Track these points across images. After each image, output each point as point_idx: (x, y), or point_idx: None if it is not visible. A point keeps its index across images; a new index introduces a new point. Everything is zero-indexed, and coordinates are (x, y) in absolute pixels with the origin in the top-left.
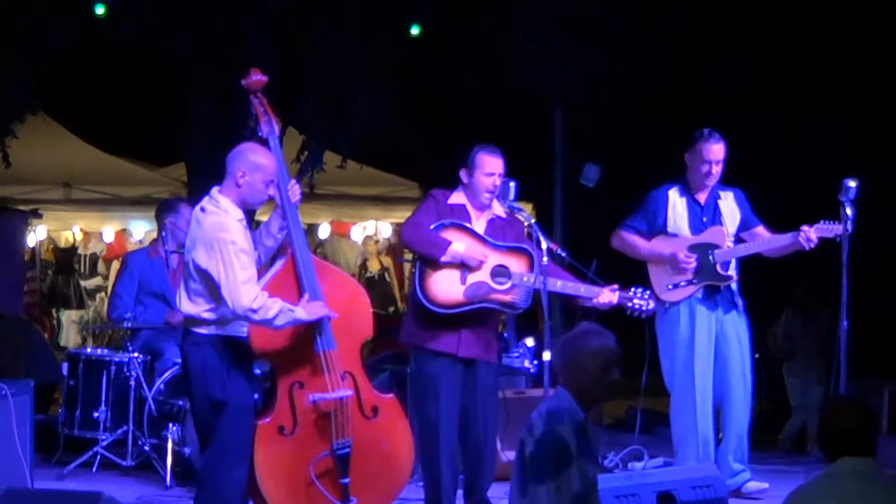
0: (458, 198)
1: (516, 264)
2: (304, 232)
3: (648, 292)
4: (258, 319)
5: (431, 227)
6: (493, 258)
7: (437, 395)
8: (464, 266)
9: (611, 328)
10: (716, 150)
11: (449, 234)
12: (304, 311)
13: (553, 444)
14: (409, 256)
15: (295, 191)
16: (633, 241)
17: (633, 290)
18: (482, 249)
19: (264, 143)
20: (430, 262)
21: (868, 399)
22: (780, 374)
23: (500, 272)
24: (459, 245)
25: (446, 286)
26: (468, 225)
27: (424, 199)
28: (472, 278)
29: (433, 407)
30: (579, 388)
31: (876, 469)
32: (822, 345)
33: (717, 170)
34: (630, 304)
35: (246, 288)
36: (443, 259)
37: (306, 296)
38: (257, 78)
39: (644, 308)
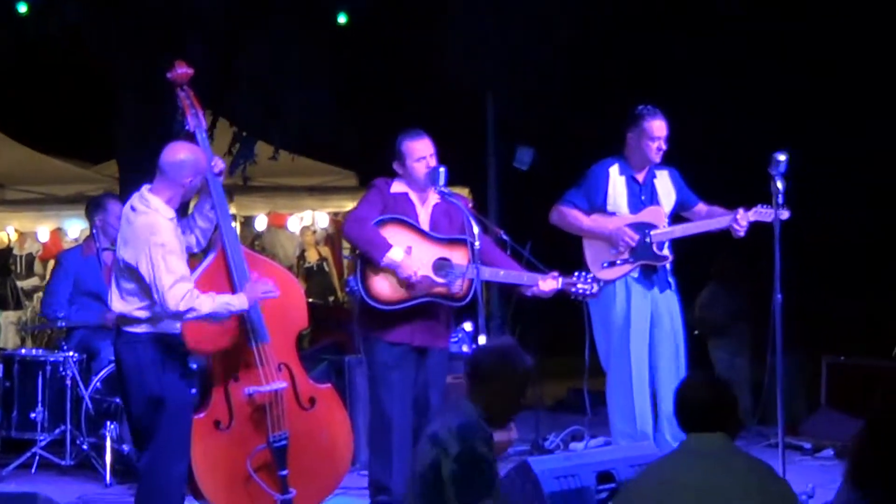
0: (399, 186)
1: (459, 255)
2: (229, 214)
3: (592, 276)
4: (189, 317)
5: (374, 221)
6: (435, 252)
7: (391, 385)
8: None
9: (548, 308)
10: (660, 126)
11: (390, 231)
12: (242, 298)
13: (474, 463)
14: (348, 252)
15: (217, 163)
16: (574, 217)
17: (575, 275)
18: (423, 248)
19: (191, 136)
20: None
21: (805, 371)
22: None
23: (441, 265)
24: (398, 252)
25: (389, 283)
26: (409, 220)
27: (368, 189)
28: (405, 281)
29: (387, 395)
30: (496, 405)
31: (725, 445)
32: (744, 317)
33: (664, 146)
34: (574, 290)
35: (174, 290)
36: (382, 262)
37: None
38: (183, 71)
39: (588, 292)
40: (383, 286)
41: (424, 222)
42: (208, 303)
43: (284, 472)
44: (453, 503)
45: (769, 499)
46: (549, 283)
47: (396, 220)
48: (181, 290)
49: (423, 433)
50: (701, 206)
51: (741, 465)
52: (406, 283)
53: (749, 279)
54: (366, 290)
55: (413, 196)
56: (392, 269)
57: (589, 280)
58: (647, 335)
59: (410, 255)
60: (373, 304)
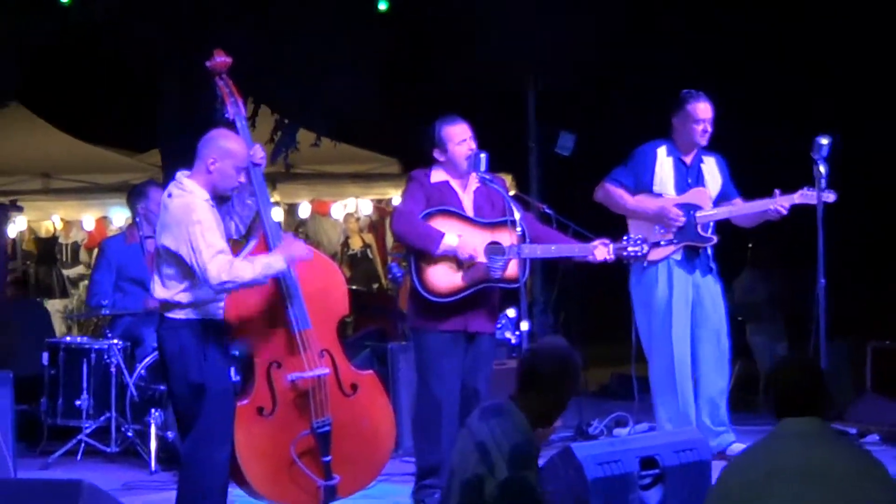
0: (438, 175)
1: (506, 238)
2: (269, 202)
3: (640, 237)
4: (239, 286)
5: (420, 215)
6: (485, 237)
7: (441, 372)
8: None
9: (592, 293)
10: (705, 109)
11: (438, 222)
12: (278, 257)
13: (521, 489)
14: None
15: (257, 151)
16: (619, 195)
17: (624, 238)
18: (473, 233)
19: (231, 125)
20: (424, 254)
21: (850, 357)
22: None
23: (494, 250)
24: (452, 237)
25: (444, 275)
26: (455, 210)
27: (407, 183)
28: (469, 261)
29: (437, 383)
30: (547, 409)
31: (822, 429)
32: (782, 303)
33: (709, 128)
34: (626, 254)
35: (214, 262)
36: (437, 252)
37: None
38: (221, 59)
39: (640, 253)
40: (440, 278)
41: (468, 209)
42: (248, 269)
43: (328, 458)
44: None
45: (873, 484)
46: (601, 252)
47: (442, 211)
48: (221, 260)
49: (467, 425)
50: (738, 201)
51: (843, 448)
52: (466, 266)
53: (786, 264)
54: (422, 284)
55: (454, 184)
56: (450, 256)
57: (638, 241)
58: (688, 319)
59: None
60: (431, 298)
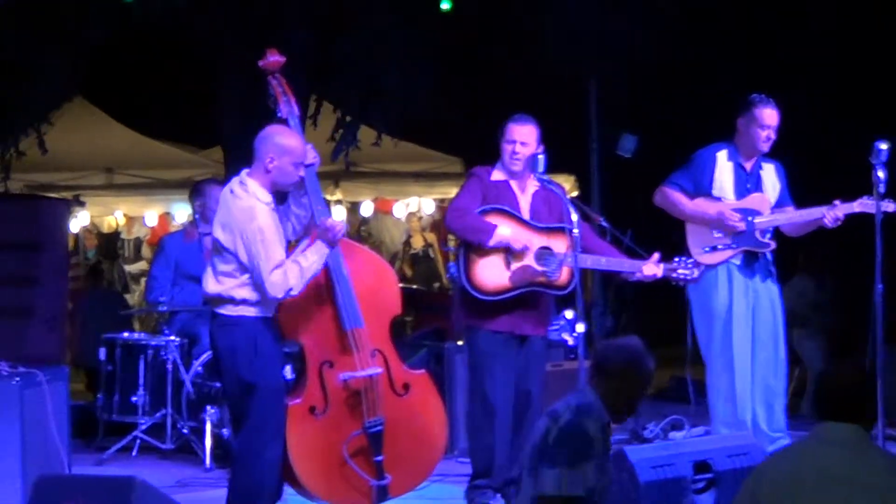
0: (499, 174)
1: (559, 244)
2: (324, 202)
3: (692, 260)
4: (297, 292)
5: (476, 211)
6: (537, 240)
7: (494, 373)
8: (508, 251)
9: (650, 296)
10: (771, 115)
11: (492, 220)
12: (320, 246)
13: (577, 434)
14: (452, 243)
15: (310, 152)
16: (678, 199)
17: (676, 259)
18: (526, 234)
19: (284, 123)
20: (474, 248)
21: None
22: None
23: (543, 254)
24: (505, 229)
25: (491, 274)
26: (510, 210)
27: (467, 178)
28: (517, 263)
29: (490, 384)
30: (616, 401)
31: (861, 437)
32: (831, 309)
33: (773, 135)
34: (675, 275)
35: (273, 278)
36: (490, 243)
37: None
38: (275, 59)
39: (689, 277)
40: (487, 276)
41: (525, 210)
42: (297, 273)
43: (380, 458)
44: (543, 462)
45: None
46: (650, 269)
47: (497, 209)
48: (279, 277)
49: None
50: (790, 209)
51: (877, 459)
52: (516, 258)
53: (838, 270)
54: (469, 281)
55: (513, 184)
56: (501, 253)
57: (689, 265)
58: (749, 323)
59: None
60: (476, 295)
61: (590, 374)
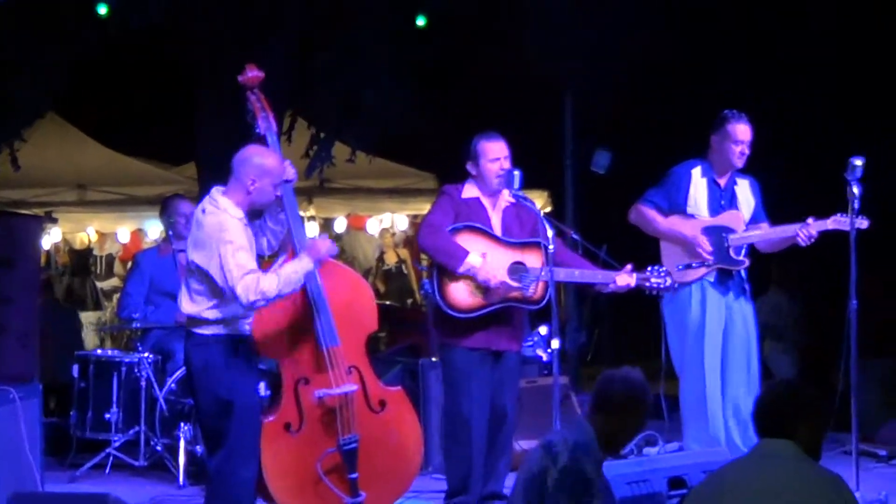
0: (470, 191)
1: (533, 259)
2: (300, 218)
3: (664, 269)
4: (269, 300)
5: (447, 229)
6: (510, 256)
7: (470, 390)
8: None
9: (624, 311)
10: (745, 131)
11: (464, 238)
12: (304, 259)
13: (577, 478)
14: (425, 262)
15: (288, 169)
16: (652, 217)
17: (649, 269)
18: (498, 253)
19: (262, 139)
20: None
21: (880, 378)
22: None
23: (516, 269)
24: (475, 257)
25: (465, 292)
26: (482, 227)
27: (438, 196)
28: (480, 293)
29: (465, 401)
30: (614, 436)
31: (795, 454)
32: (803, 323)
33: (747, 150)
34: (648, 284)
35: (244, 282)
36: (459, 270)
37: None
38: (254, 74)
39: (662, 286)
40: (460, 294)
41: (497, 227)
42: (273, 280)
43: (354, 476)
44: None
45: None
46: (623, 279)
47: (469, 227)
48: (249, 280)
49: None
50: (764, 225)
51: (808, 474)
52: (484, 287)
53: (811, 286)
54: (443, 300)
55: (484, 200)
56: (470, 276)
57: (662, 274)
58: (720, 340)
59: (486, 260)
60: (451, 314)
61: (590, 408)
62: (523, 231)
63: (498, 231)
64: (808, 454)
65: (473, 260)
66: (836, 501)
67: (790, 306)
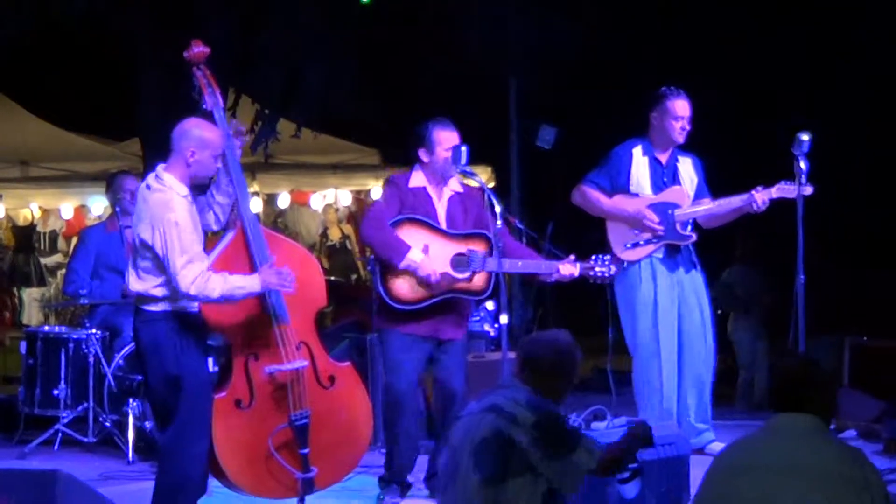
0: (417, 179)
1: (477, 249)
2: (247, 192)
3: (608, 257)
4: (201, 299)
5: (390, 222)
6: (453, 248)
7: (402, 365)
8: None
9: (570, 288)
10: (683, 107)
11: (406, 231)
12: (256, 281)
13: (558, 427)
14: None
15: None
16: (596, 197)
17: (592, 258)
18: (440, 245)
19: (209, 115)
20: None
21: (828, 353)
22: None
23: (459, 261)
24: (416, 253)
25: (408, 284)
26: (425, 219)
27: (385, 187)
28: (423, 288)
29: (394, 376)
30: (546, 394)
31: (816, 427)
32: (766, 299)
33: (687, 126)
34: (592, 273)
35: (186, 271)
36: (400, 265)
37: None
38: (199, 50)
39: (606, 274)
40: (404, 287)
41: (441, 218)
42: (219, 286)
43: (306, 451)
44: (540, 465)
45: (853, 487)
46: (567, 268)
47: (411, 219)
48: (193, 271)
49: (465, 412)
50: (707, 200)
51: (830, 449)
52: (425, 282)
53: (769, 259)
54: (387, 292)
55: (431, 190)
56: (411, 271)
57: (606, 262)
58: (675, 315)
59: (428, 254)
60: (395, 306)
61: (519, 369)
62: (468, 220)
63: (443, 222)
64: None
65: (414, 255)
66: (859, 474)
67: (755, 280)
